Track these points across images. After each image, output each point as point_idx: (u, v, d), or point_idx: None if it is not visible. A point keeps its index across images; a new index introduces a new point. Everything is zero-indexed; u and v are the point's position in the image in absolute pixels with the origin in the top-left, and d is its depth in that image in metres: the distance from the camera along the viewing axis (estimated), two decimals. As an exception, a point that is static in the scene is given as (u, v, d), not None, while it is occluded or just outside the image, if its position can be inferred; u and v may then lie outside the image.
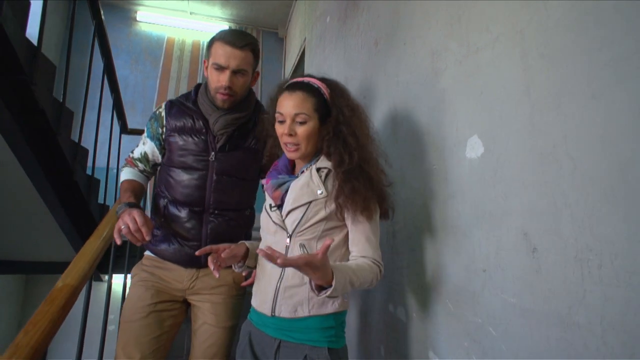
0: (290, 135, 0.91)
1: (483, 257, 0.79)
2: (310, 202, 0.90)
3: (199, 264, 1.17)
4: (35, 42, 1.52)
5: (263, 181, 1.01)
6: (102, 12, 2.05)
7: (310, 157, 0.96)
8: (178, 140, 1.18)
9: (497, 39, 0.77)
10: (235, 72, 1.10)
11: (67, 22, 3.63)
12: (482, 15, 0.82)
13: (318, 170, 0.92)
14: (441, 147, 0.94)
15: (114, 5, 3.86)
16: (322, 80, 0.96)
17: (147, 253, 1.24)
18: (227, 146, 1.18)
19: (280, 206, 0.95)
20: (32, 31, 1.57)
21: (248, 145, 1.21)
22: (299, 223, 0.90)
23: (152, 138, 1.24)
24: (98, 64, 2.15)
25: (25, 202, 1.94)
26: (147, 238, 0.99)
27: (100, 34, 2.08)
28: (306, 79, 0.95)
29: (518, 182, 0.71)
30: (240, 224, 1.23)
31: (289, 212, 0.91)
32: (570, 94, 0.61)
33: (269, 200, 0.98)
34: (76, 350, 1.20)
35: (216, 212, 1.18)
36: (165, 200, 1.20)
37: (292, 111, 0.90)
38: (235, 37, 1.09)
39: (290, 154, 0.94)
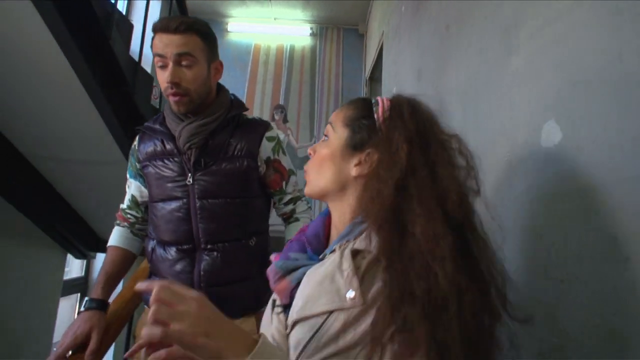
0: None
1: (560, 265, 0.66)
2: (331, 313, 0.50)
3: None
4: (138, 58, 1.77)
5: (272, 257, 0.66)
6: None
7: (345, 215, 0.61)
8: (151, 169, 0.99)
9: None
10: (178, 63, 0.88)
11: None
12: (562, -24, 0.69)
13: (356, 254, 0.54)
14: (514, 136, 0.82)
15: (209, 19, 4.27)
16: (392, 98, 0.63)
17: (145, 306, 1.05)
18: (203, 161, 0.95)
19: (288, 307, 0.57)
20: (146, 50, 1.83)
21: (233, 154, 0.97)
22: (305, 347, 0.51)
23: (134, 177, 1.07)
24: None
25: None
26: None
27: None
28: (375, 98, 0.65)
29: (605, 174, 0.57)
30: (239, 260, 0.96)
31: (295, 324, 0.54)
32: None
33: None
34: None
35: (209, 246, 0.94)
36: (153, 242, 1.00)
37: (329, 120, 0.67)
38: (169, 21, 0.88)
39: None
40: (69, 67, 1.37)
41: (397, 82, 2.39)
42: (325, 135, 0.65)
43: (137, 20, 1.98)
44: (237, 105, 1.03)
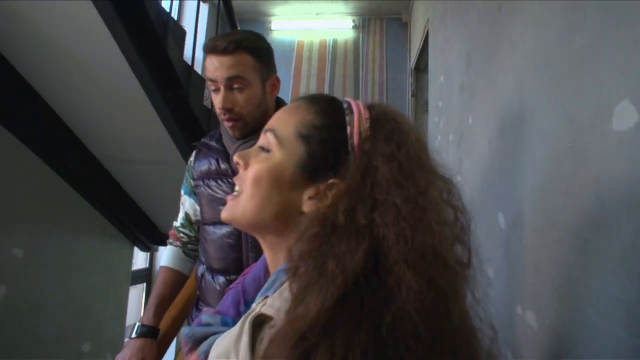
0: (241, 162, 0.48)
1: (638, 259, 0.61)
2: None
3: None
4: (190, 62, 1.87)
5: (204, 310, 0.56)
6: (239, 28, 2.38)
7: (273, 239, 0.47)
8: (204, 189, 0.95)
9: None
10: (229, 87, 0.84)
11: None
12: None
13: (254, 323, 0.38)
14: (579, 120, 0.76)
15: (253, 20, 4.40)
16: (371, 107, 0.47)
17: None
18: None
19: None
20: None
21: None
22: None
23: (189, 194, 1.05)
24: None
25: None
26: None
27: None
28: (342, 99, 0.49)
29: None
30: None
31: None
32: None
33: None
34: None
35: None
36: (203, 267, 0.96)
37: (268, 125, 0.48)
38: (217, 40, 0.83)
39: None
40: (133, 78, 1.49)
41: (444, 70, 2.30)
42: (263, 149, 0.46)
43: (188, 24, 2.10)
44: None
